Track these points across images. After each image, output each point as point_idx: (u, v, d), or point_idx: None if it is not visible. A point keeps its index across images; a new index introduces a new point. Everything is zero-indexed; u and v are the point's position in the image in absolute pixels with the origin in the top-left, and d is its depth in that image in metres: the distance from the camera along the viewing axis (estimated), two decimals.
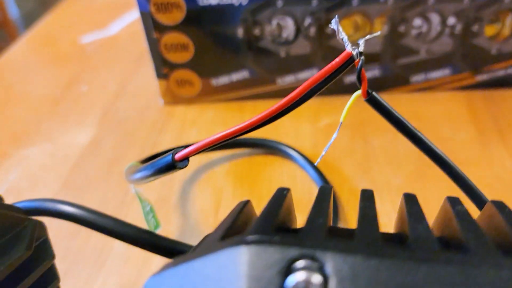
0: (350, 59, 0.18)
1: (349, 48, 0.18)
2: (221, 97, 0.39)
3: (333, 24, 0.18)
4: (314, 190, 0.31)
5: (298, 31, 0.35)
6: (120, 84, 0.44)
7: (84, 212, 0.21)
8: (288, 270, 0.10)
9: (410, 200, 0.15)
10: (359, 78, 0.19)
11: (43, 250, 0.19)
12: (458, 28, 0.35)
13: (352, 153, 0.33)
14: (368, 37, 0.19)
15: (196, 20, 0.35)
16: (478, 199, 0.19)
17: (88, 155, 0.36)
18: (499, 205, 0.14)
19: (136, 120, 0.39)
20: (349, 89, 0.38)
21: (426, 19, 0.35)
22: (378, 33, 0.23)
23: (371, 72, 0.37)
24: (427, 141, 0.19)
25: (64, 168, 0.35)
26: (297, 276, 0.10)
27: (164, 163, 0.20)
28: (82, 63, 0.48)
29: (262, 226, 0.13)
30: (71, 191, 0.33)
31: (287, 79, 0.38)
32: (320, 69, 0.17)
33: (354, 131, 0.35)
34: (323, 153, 0.22)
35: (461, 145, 0.34)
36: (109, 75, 0.45)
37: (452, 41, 0.36)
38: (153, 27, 0.35)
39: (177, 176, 0.33)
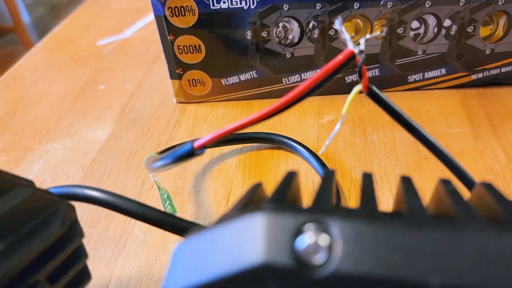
0: (352, 57, 0.20)
1: (351, 46, 0.20)
2: (230, 96, 0.42)
3: (337, 25, 0.21)
4: (318, 180, 0.33)
5: (302, 33, 0.38)
6: (135, 83, 0.46)
7: (110, 196, 0.24)
8: (299, 232, 0.12)
9: (406, 181, 0.18)
10: (360, 74, 0.21)
11: (74, 229, 0.21)
12: (454, 29, 0.38)
13: (353, 146, 0.36)
14: (368, 36, 0.21)
15: (208, 23, 0.37)
16: (468, 182, 0.21)
17: (107, 149, 0.38)
18: (487, 185, 0.17)
19: (151, 117, 0.41)
20: (350, 88, 0.40)
21: (423, 21, 0.37)
22: (378, 33, 0.26)
23: (371, 72, 0.40)
24: (421, 130, 0.22)
25: (84, 161, 0.37)
26: (307, 238, 0.12)
27: (184, 151, 0.22)
28: (98, 65, 0.51)
29: (276, 198, 0.15)
30: (91, 182, 0.35)
31: (292, 79, 0.40)
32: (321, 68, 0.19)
33: (355, 126, 0.38)
34: (327, 142, 0.24)
35: (456, 139, 0.36)
36: (124, 76, 0.48)
37: (447, 42, 0.38)
38: (167, 30, 0.38)
39: (191, 168, 0.35)
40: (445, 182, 0.17)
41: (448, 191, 0.16)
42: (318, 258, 0.12)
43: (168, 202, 0.30)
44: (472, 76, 0.40)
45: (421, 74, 0.40)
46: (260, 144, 0.37)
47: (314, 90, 0.20)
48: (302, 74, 0.40)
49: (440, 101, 0.40)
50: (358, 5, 0.36)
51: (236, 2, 0.36)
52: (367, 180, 0.17)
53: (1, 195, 0.17)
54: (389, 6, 0.36)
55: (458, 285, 0.11)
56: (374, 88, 0.22)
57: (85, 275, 0.21)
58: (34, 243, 0.17)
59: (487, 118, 0.38)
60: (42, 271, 0.17)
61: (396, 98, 0.40)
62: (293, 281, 0.12)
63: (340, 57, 0.20)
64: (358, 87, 0.23)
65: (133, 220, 0.31)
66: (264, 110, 0.20)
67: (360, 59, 0.20)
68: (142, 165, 0.36)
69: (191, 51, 0.39)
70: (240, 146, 0.37)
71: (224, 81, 0.41)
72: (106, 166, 0.36)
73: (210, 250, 0.13)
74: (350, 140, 0.36)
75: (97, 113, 0.43)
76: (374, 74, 0.40)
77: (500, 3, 0.36)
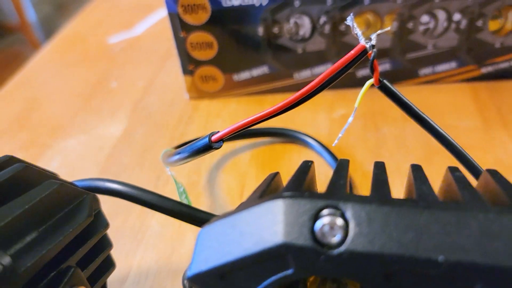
0: (364, 51, 0.21)
1: (362, 41, 0.21)
2: (243, 91, 0.42)
3: (349, 21, 0.21)
4: (330, 173, 0.33)
5: (314, 29, 0.38)
6: (147, 80, 0.47)
7: (130, 188, 0.24)
8: (317, 216, 0.13)
9: (416, 168, 0.18)
10: (372, 68, 0.22)
11: (99, 219, 0.22)
12: (463, 23, 0.38)
13: (365, 140, 0.36)
14: (379, 31, 0.22)
15: (220, 20, 0.38)
16: (476, 171, 0.22)
17: (121, 145, 0.39)
18: (493, 172, 0.17)
19: (164, 113, 0.42)
20: (361, 83, 0.40)
21: (433, 16, 0.38)
22: (389, 28, 0.26)
23: (382, 66, 0.40)
24: (431, 122, 0.22)
25: (100, 157, 0.38)
26: (324, 221, 0.13)
27: (202, 144, 0.23)
28: (110, 62, 0.52)
29: (294, 185, 0.16)
30: (107, 177, 0.36)
31: (304, 74, 0.41)
32: (334, 63, 0.20)
33: (367, 121, 0.38)
34: (340, 135, 0.25)
35: (466, 132, 0.36)
36: (136, 72, 0.49)
37: (457, 36, 0.39)
38: (180, 26, 0.38)
39: (204, 164, 0.36)
40: (453, 169, 0.17)
41: (455, 177, 0.16)
42: (334, 239, 0.13)
43: (184, 195, 0.30)
44: (482, 69, 0.40)
45: (431, 68, 0.40)
46: (273, 138, 0.37)
47: (327, 84, 0.21)
48: (314, 69, 0.41)
49: (450, 95, 0.40)
50: (369, 1, 0.37)
51: None
52: (379, 168, 0.18)
53: (33, 186, 0.18)
54: (399, 2, 0.37)
55: (463, 261, 0.12)
56: (385, 81, 0.23)
57: (110, 263, 0.22)
58: (64, 231, 0.18)
59: (497, 112, 0.38)
60: (73, 257, 0.18)
61: (407, 91, 0.40)
62: (311, 260, 0.13)
63: (352, 52, 0.21)
64: (370, 81, 0.23)
65: (150, 214, 0.32)
66: (279, 104, 0.21)
67: (372, 53, 0.21)
68: (156, 160, 0.37)
69: (204, 48, 0.39)
70: (253, 141, 0.37)
71: (236, 76, 0.41)
72: (121, 162, 0.37)
73: (233, 233, 0.14)
74: (362, 134, 0.37)
75: (111, 110, 0.44)
76: (385, 69, 0.40)
77: None
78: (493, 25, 0.38)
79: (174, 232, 0.31)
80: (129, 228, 0.31)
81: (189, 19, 0.38)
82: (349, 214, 0.13)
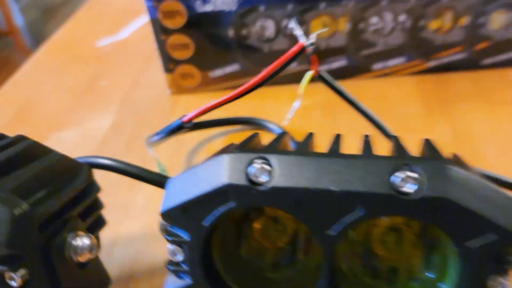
0: (303, 49, 0.26)
1: (302, 40, 0.26)
2: (218, 87, 0.48)
3: (291, 24, 0.27)
4: None
5: (277, 30, 0.44)
6: (133, 78, 0.52)
7: (119, 163, 0.30)
8: (250, 164, 0.19)
9: (337, 136, 0.24)
10: (310, 61, 0.28)
11: (93, 184, 0.27)
12: (408, 23, 0.44)
13: (323, 127, 0.42)
14: (317, 32, 0.28)
15: (195, 24, 0.43)
16: (388, 136, 0.27)
17: (111, 136, 0.44)
18: (427, 140, 0.23)
19: (148, 106, 0.47)
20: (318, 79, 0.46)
21: (381, 17, 0.43)
22: (326, 29, 0.32)
23: (339, 62, 0.46)
24: (359, 104, 0.28)
25: (92, 146, 0.43)
26: (255, 166, 0.19)
27: (175, 125, 0.28)
28: (99, 63, 0.57)
29: (239, 146, 0.21)
30: None
31: None
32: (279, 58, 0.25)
33: (325, 111, 0.44)
34: (289, 116, 0.30)
35: (411, 118, 0.42)
36: (124, 72, 0.54)
37: (403, 34, 0.44)
38: (160, 30, 0.44)
39: (183, 149, 0.41)
40: (365, 136, 0.23)
41: (364, 140, 0.22)
42: (263, 179, 0.18)
43: (165, 173, 0.36)
44: (427, 63, 0.46)
45: (382, 63, 0.46)
46: (243, 126, 0.43)
47: (275, 74, 0.27)
48: None
49: (400, 86, 0.46)
50: (324, 5, 0.42)
51: (219, 5, 0.42)
52: (308, 136, 0.23)
53: (41, 156, 0.23)
54: (350, 5, 0.42)
55: (349, 189, 0.18)
56: (322, 72, 0.28)
57: (102, 220, 0.27)
58: (67, 191, 0.23)
59: (439, 100, 0.44)
60: (74, 210, 0.23)
61: (362, 85, 0.46)
62: (247, 194, 0.18)
63: (294, 49, 0.27)
64: (310, 72, 0.29)
65: (136, 190, 0.37)
66: (234, 92, 0.27)
67: (309, 50, 0.26)
68: (142, 147, 0.42)
69: (182, 49, 0.45)
70: (225, 129, 0.43)
71: (211, 74, 0.47)
72: (111, 149, 0.42)
73: (192, 179, 0.20)
74: (321, 122, 0.42)
75: (101, 105, 0.49)
76: (342, 65, 0.46)
77: (445, 0, 0.42)
78: (434, 24, 0.44)
79: (156, 205, 0.36)
80: (118, 203, 0.37)
81: (168, 23, 0.43)
82: (273, 162, 0.19)
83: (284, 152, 0.19)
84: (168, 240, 0.21)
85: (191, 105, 0.47)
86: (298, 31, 0.28)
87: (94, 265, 0.26)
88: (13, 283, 0.21)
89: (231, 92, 0.26)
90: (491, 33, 0.44)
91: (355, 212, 0.18)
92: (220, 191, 0.19)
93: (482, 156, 0.38)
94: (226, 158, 0.19)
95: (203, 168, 0.20)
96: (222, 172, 0.19)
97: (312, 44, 0.27)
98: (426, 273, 0.21)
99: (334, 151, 0.20)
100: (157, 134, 0.30)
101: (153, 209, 0.36)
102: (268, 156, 0.19)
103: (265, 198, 0.18)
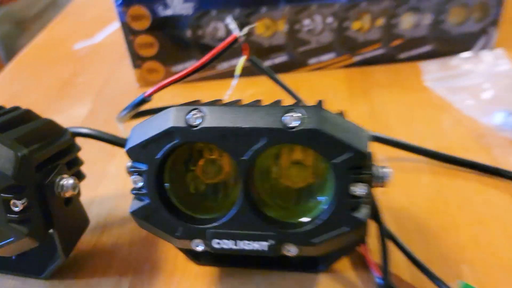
0: (236, 40, 0.35)
1: (235, 33, 0.35)
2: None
3: (227, 20, 0.36)
4: None
5: (228, 31, 0.53)
6: (106, 75, 0.61)
7: (97, 132, 0.38)
8: (189, 113, 0.27)
9: (257, 100, 0.32)
10: (241, 49, 0.36)
11: (75, 144, 0.35)
12: (335, 25, 0.53)
13: None
14: (248, 27, 0.36)
15: (159, 26, 0.52)
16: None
17: (88, 121, 0.52)
18: (320, 100, 0.31)
19: (120, 98, 0.55)
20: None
21: (312, 19, 0.53)
22: (254, 25, 0.41)
23: (280, 58, 0.55)
24: (285, 85, 0.37)
25: None
26: (192, 114, 0.27)
27: (138, 100, 0.36)
28: (77, 63, 0.65)
29: (185, 104, 0.29)
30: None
31: (224, 65, 0.55)
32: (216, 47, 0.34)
33: (266, 97, 0.52)
34: (228, 92, 0.39)
35: (337, 102, 0.51)
36: (98, 70, 0.62)
37: (332, 34, 0.54)
38: (129, 32, 0.52)
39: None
40: (277, 100, 0.32)
41: (274, 101, 0.31)
42: (197, 122, 0.27)
43: None
44: (353, 58, 0.56)
45: (316, 58, 0.55)
46: None
47: (211, 61, 0.35)
48: (231, 61, 0.55)
49: (331, 78, 0.55)
50: (265, 10, 0.51)
51: (178, 10, 0.51)
52: (235, 100, 0.32)
53: (34, 119, 0.31)
54: (286, 10, 0.51)
55: (255, 127, 0.26)
56: (253, 58, 0.37)
57: (82, 174, 0.35)
58: (55, 145, 0.31)
59: (361, 88, 0.53)
60: (61, 160, 0.31)
61: (300, 77, 0.55)
62: (186, 133, 0.27)
63: (228, 39, 0.35)
64: (244, 57, 0.37)
65: (109, 161, 0.45)
66: (182, 72, 0.35)
67: (241, 39, 0.35)
68: (114, 130, 0.50)
69: (147, 47, 0.53)
70: None
71: (174, 68, 0.55)
72: None
73: (149, 125, 0.28)
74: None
75: (79, 97, 0.57)
76: (283, 60, 0.55)
77: (362, 5, 0.52)
78: (356, 25, 0.53)
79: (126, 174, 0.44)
80: (95, 172, 0.44)
81: (135, 25, 0.52)
82: (205, 111, 0.27)
83: (213, 105, 0.28)
84: (131, 173, 0.29)
85: (158, 95, 0.55)
86: (232, 25, 0.36)
87: (76, 206, 0.34)
88: (16, 209, 0.28)
89: (180, 73, 0.35)
90: (403, 32, 0.54)
91: (260, 142, 0.26)
92: (167, 132, 0.27)
93: (394, 128, 0.47)
94: (172, 109, 0.27)
95: (156, 117, 0.28)
96: (169, 119, 0.27)
97: (244, 36, 0.36)
98: (317, 196, 0.29)
99: (250, 103, 0.29)
100: (124, 109, 0.38)
101: (125, 177, 0.44)
102: (201, 108, 0.27)
103: (199, 135, 0.27)
